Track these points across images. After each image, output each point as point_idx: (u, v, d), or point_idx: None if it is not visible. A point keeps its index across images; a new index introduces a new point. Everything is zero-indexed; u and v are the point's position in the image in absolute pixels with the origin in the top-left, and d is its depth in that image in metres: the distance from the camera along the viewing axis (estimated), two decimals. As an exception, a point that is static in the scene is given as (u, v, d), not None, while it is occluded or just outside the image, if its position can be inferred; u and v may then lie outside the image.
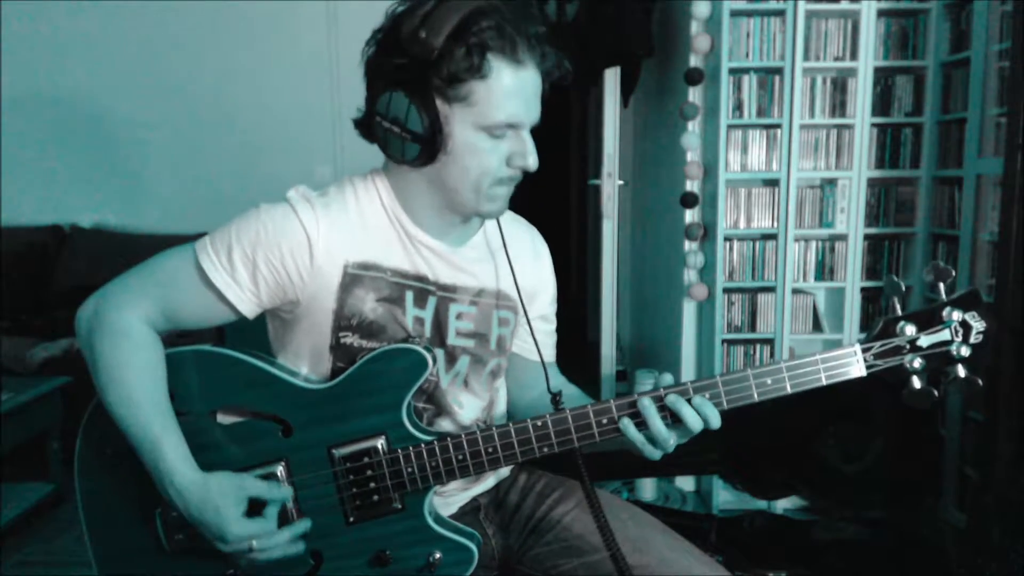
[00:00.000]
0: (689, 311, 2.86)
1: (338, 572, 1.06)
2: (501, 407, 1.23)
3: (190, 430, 1.02)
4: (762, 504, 2.60)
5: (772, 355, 2.65)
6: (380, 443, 1.03)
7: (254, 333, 1.16)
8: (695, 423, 0.97)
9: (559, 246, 1.45)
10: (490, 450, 1.02)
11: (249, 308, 1.05)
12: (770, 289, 2.62)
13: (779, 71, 2.54)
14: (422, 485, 1.04)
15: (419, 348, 1.03)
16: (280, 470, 1.04)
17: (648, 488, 2.78)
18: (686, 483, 2.92)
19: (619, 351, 3.56)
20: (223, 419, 1.06)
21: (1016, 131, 1.92)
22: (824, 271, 2.64)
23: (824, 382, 0.98)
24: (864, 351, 0.98)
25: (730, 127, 2.56)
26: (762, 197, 2.62)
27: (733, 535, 2.18)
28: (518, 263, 1.14)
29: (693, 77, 2.64)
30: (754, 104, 2.57)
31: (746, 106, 2.57)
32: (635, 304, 4.04)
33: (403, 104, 0.98)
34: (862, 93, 2.53)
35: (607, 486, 2.67)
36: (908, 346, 0.98)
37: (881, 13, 2.52)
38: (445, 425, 1.14)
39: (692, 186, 2.73)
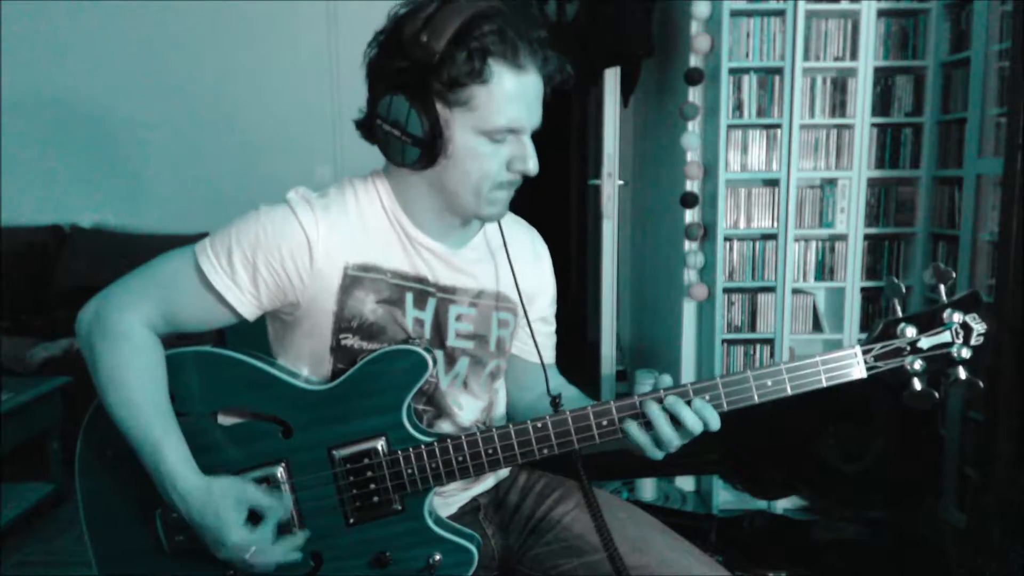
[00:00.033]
0: (689, 311, 2.86)
1: (338, 573, 1.06)
2: (500, 408, 1.23)
3: (190, 431, 1.02)
4: (762, 504, 2.60)
5: (772, 355, 2.65)
6: (380, 444, 1.03)
7: (254, 334, 1.16)
8: (695, 425, 0.97)
9: (559, 246, 1.45)
10: (490, 451, 1.02)
11: (249, 310, 1.05)
12: (770, 289, 2.63)
13: (779, 71, 2.54)
14: (422, 486, 1.04)
15: (419, 349, 1.03)
16: (280, 471, 1.04)
17: (648, 488, 2.78)
18: (686, 483, 2.92)
19: (619, 351, 3.56)
20: (223, 420, 1.06)
21: (1016, 131, 1.92)
22: (824, 271, 2.64)
23: (824, 384, 0.99)
24: (864, 353, 0.98)
25: (730, 127, 2.56)
26: (762, 197, 2.62)
27: (733, 535, 2.18)
28: (518, 265, 1.14)
29: (693, 77, 2.64)
30: (754, 104, 2.57)
31: (746, 106, 2.57)
32: (635, 304, 4.04)
33: (404, 107, 0.98)
34: (862, 93, 2.53)
35: (607, 486, 2.67)
36: (909, 348, 0.98)
37: (881, 13, 2.52)
38: (445, 427, 1.14)
39: (692, 186, 2.73)
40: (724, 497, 2.69)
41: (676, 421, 0.97)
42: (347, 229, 1.05)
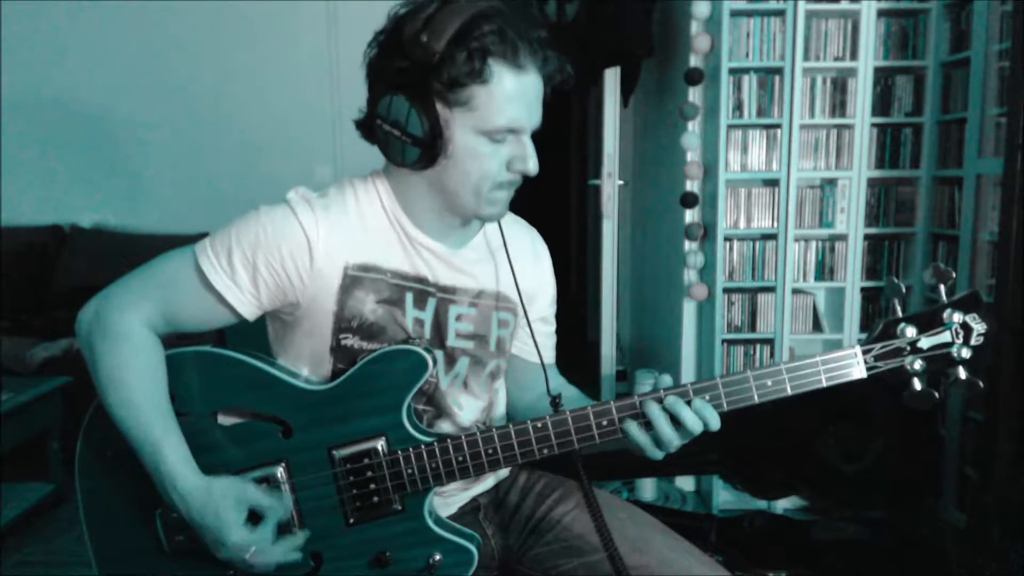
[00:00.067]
0: (689, 311, 2.86)
1: (338, 573, 1.06)
2: (500, 408, 1.24)
3: (190, 431, 1.02)
4: (762, 504, 2.60)
5: (772, 355, 2.65)
6: (380, 444, 1.03)
7: (254, 334, 1.16)
8: (695, 425, 0.97)
9: (559, 246, 1.45)
10: (490, 451, 1.02)
11: (249, 310, 1.05)
12: (770, 289, 2.63)
13: (779, 71, 2.54)
14: (422, 486, 1.04)
15: (419, 349, 1.03)
16: (280, 471, 1.04)
17: (648, 488, 2.78)
18: (686, 483, 2.92)
19: (619, 351, 3.56)
20: (223, 420, 1.06)
21: (1016, 131, 1.92)
22: (824, 271, 2.64)
23: (824, 384, 0.99)
24: (864, 353, 0.98)
25: (730, 127, 2.56)
26: (762, 197, 2.62)
27: (733, 535, 2.18)
28: (518, 265, 1.14)
29: (693, 77, 2.64)
30: (754, 104, 2.57)
31: (746, 106, 2.57)
32: (635, 304, 4.04)
33: (404, 108, 0.98)
34: (862, 93, 2.53)
35: (607, 486, 2.67)
36: (909, 348, 0.98)
37: (881, 13, 2.52)
38: (445, 427, 1.14)
39: (692, 186, 2.73)
40: (724, 497, 2.69)
41: (676, 421, 0.97)
42: (347, 229, 1.05)
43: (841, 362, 0.98)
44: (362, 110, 1.06)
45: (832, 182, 2.60)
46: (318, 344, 1.06)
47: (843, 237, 2.62)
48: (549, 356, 1.25)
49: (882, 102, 2.57)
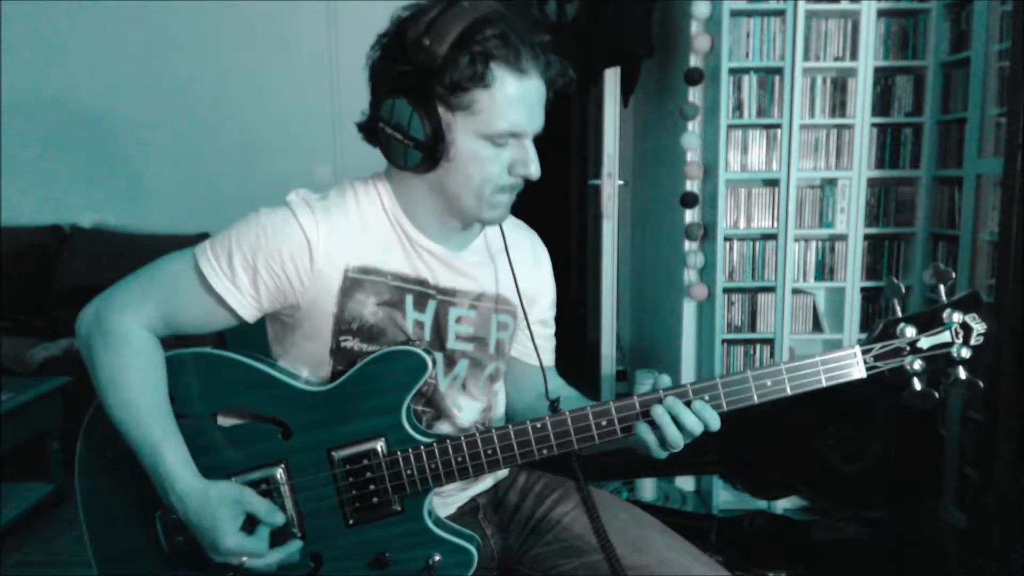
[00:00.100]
0: (689, 311, 2.86)
1: (337, 574, 1.06)
2: (499, 410, 1.24)
3: (190, 432, 1.03)
4: (762, 504, 2.60)
5: (772, 355, 2.65)
6: (380, 445, 1.03)
7: (254, 336, 1.16)
8: (694, 426, 0.97)
9: (559, 247, 1.45)
10: (489, 452, 1.02)
11: (249, 313, 1.05)
12: (770, 289, 2.62)
13: (779, 71, 2.54)
14: (421, 487, 1.04)
15: (419, 351, 1.03)
16: (280, 472, 1.04)
17: (648, 488, 2.78)
18: (686, 483, 2.92)
19: (619, 351, 3.56)
20: (223, 421, 1.06)
21: (1016, 131, 1.91)
22: (824, 271, 2.64)
23: (824, 384, 0.99)
24: (864, 353, 0.98)
25: (730, 127, 2.56)
26: (762, 197, 2.62)
27: (733, 535, 2.18)
28: (518, 267, 1.14)
29: (693, 77, 2.64)
30: (754, 104, 2.57)
31: (746, 106, 2.57)
32: (635, 304, 4.04)
33: (406, 111, 0.98)
34: (862, 93, 2.53)
35: (607, 486, 2.67)
36: (908, 348, 0.98)
37: (881, 13, 2.52)
38: (444, 428, 1.14)
39: (692, 186, 2.73)
40: (724, 497, 2.69)
41: (676, 422, 0.97)
42: (347, 231, 1.05)
43: (841, 362, 0.98)
44: (364, 112, 1.06)
45: (832, 182, 2.60)
46: (318, 346, 1.06)
47: (843, 237, 2.62)
48: (548, 359, 1.25)
49: (882, 102, 2.57)
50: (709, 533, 2.17)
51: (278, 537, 1.03)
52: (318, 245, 1.02)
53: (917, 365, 0.98)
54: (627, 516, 1.15)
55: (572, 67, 1.05)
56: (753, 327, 2.65)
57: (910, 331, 0.97)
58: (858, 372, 0.98)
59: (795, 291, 2.63)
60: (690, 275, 2.76)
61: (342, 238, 1.04)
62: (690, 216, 2.75)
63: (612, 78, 2.84)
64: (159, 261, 1.07)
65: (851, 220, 2.59)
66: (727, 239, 2.62)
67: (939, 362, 0.98)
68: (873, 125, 2.56)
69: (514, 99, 0.98)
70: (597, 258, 3.12)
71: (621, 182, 3.00)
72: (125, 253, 3.34)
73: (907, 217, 2.63)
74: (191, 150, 3.91)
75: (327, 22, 3.83)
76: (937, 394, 0.99)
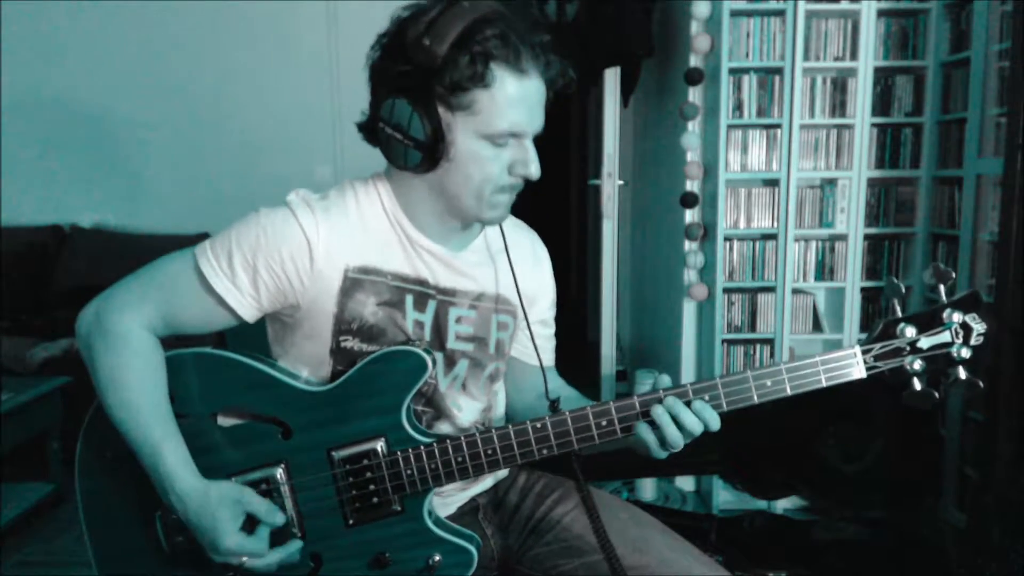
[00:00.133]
0: (689, 311, 2.86)
1: (337, 574, 1.06)
2: (499, 410, 1.24)
3: (190, 432, 1.03)
4: (762, 504, 2.60)
5: (772, 355, 2.65)
6: (380, 445, 1.03)
7: (254, 336, 1.16)
8: (694, 427, 0.97)
9: (559, 247, 1.45)
10: (489, 452, 1.02)
11: (250, 313, 1.05)
12: (770, 289, 2.62)
13: (779, 71, 2.54)
14: (421, 487, 1.04)
15: (419, 350, 1.03)
16: (280, 472, 1.04)
17: (648, 488, 2.78)
18: (686, 483, 2.92)
19: (619, 351, 3.56)
20: (223, 421, 1.06)
21: (1016, 131, 1.91)
22: (824, 271, 2.64)
23: (824, 384, 0.98)
24: (864, 353, 0.98)
25: (730, 127, 2.56)
26: (762, 197, 2.62)
27: (733, 535, 2.18)
28: (518, 268, 1.15)
29: (693, 77, 2.64)
30: (754, 104, 2.57)
31: (746, 106, 2.57)
32: (635, 304, 4.04)
33: (406, 111, 0.98)
34: (862, 93, 2.53)
35: (607, 486, 2.67)
36: (908, 348, 0.98)
37: (881, 13, 2.52)
38: (444, 428, 1.14)
39: (692, 186, 2.73)
40: (724, 497, 2.69)
41: (676, 423, 0.97)
42: (347, 231, 1.05)
43: (841, 362, 0.98)
44: (364, 112, 1.06)
45: (832, 182, 2.60)
46: (318, 346, 1.06)
47: (843, 237, 2.62)
48: (548, 359, 1.25)
49: (882, 102, 2.57)
50: (709, 533, 2.17)
51: (278, 537, 1.03)
52: (318, 245, 1.02)
53: (917, 365, 0.98)
54: (627, 516, 1.15)
55: (572, 67, 1.05)
56: (753, 327, 2.65)
57: (910, 331, 0.97)
58: (858, 372, 0.98)
59: (795, 291, 2.63)
60: (690, 275, 2.76)
61: (342, 238, 1.04)
62: (690, 216, 2.75)
63: (612, 78, 2.84)
64: (159, 261, 1.07)
65: (851, 220, 2.59)
66: (727, 239, 2.62)
67: (939, 362, 0.98)
68: (873, 125, 2.56)
69: (514, 99, 0.98)
70: (597, 258, 3.12)
71: (621, 182, 3.00)
72: (125, 253, 3.35)
73: (907, 217, 2.63)
74: (191, 150, 3.91)
75: (327, 22, 3.83)
76: (937, 394, 0.99)
